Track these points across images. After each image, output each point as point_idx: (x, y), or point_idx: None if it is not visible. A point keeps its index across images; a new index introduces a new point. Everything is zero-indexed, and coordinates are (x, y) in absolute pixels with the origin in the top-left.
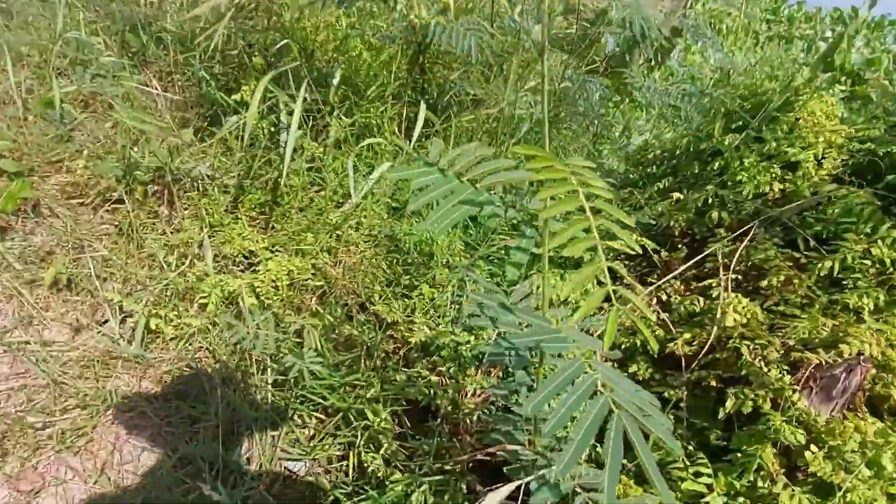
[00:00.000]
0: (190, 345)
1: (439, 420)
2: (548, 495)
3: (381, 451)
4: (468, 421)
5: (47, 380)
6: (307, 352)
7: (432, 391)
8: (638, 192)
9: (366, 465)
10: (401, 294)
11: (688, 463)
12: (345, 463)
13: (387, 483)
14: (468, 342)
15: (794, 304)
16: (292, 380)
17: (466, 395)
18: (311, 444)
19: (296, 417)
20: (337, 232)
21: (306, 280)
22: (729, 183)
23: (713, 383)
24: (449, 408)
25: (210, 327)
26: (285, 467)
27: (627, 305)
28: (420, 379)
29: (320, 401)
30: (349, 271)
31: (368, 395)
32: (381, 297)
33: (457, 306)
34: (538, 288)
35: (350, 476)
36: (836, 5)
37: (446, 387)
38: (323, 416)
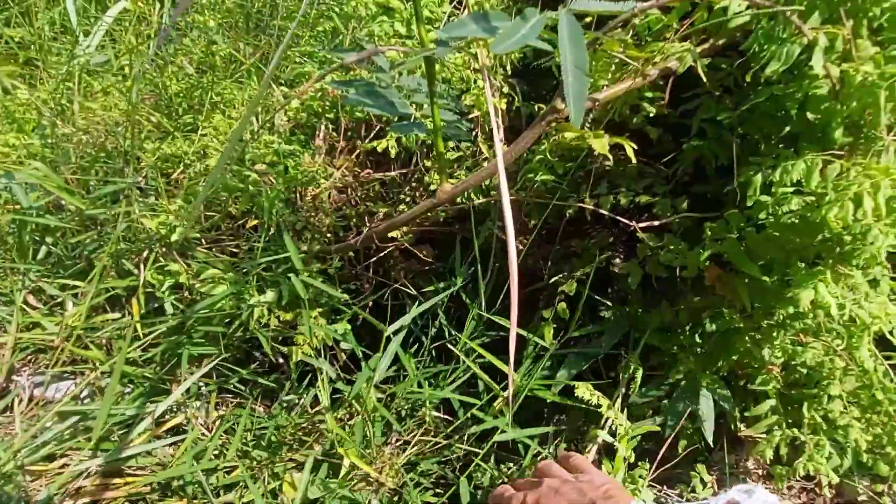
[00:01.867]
0: None
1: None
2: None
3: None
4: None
5: None
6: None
7: (250, 191)
8: None
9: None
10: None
11: None
12: None
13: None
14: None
15: None
16: None
17: (304, 194)
18: None
19: None
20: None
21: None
22: None
23: None
24: (282, 210)
25: None
26: None
27: None
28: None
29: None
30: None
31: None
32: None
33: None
34: None
35: None
36: None
37: (274, 187)
38: None
